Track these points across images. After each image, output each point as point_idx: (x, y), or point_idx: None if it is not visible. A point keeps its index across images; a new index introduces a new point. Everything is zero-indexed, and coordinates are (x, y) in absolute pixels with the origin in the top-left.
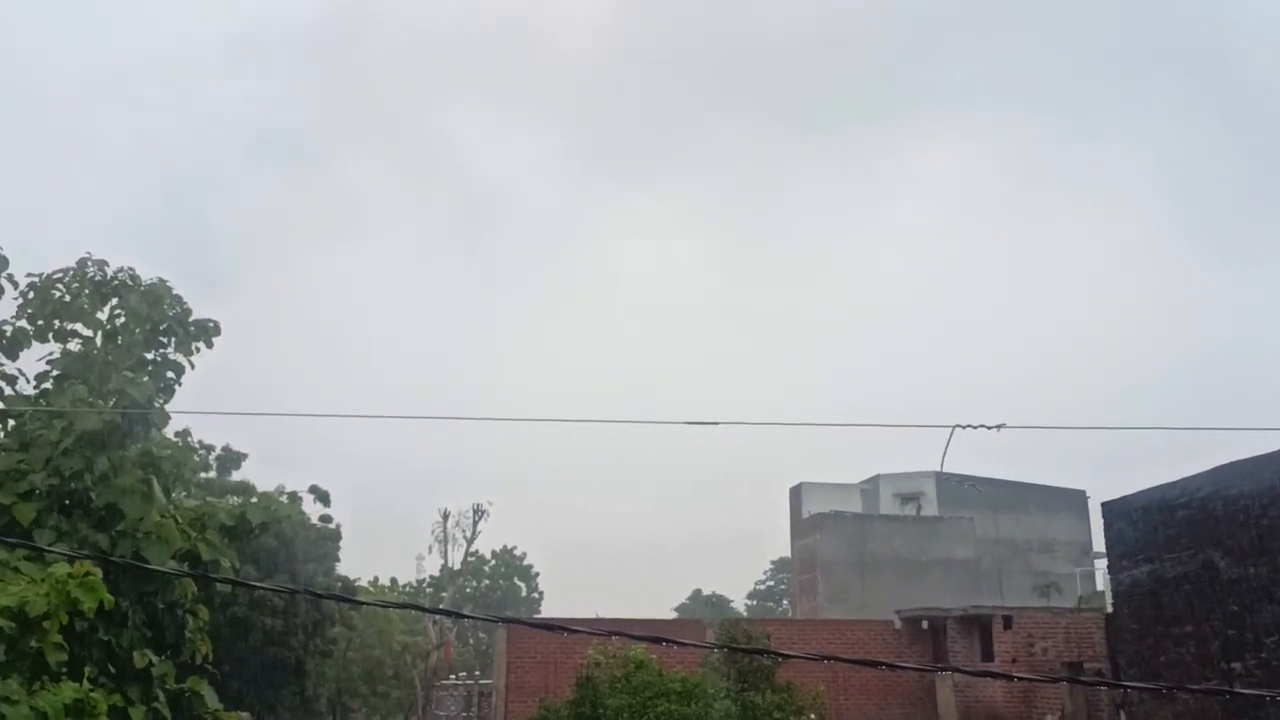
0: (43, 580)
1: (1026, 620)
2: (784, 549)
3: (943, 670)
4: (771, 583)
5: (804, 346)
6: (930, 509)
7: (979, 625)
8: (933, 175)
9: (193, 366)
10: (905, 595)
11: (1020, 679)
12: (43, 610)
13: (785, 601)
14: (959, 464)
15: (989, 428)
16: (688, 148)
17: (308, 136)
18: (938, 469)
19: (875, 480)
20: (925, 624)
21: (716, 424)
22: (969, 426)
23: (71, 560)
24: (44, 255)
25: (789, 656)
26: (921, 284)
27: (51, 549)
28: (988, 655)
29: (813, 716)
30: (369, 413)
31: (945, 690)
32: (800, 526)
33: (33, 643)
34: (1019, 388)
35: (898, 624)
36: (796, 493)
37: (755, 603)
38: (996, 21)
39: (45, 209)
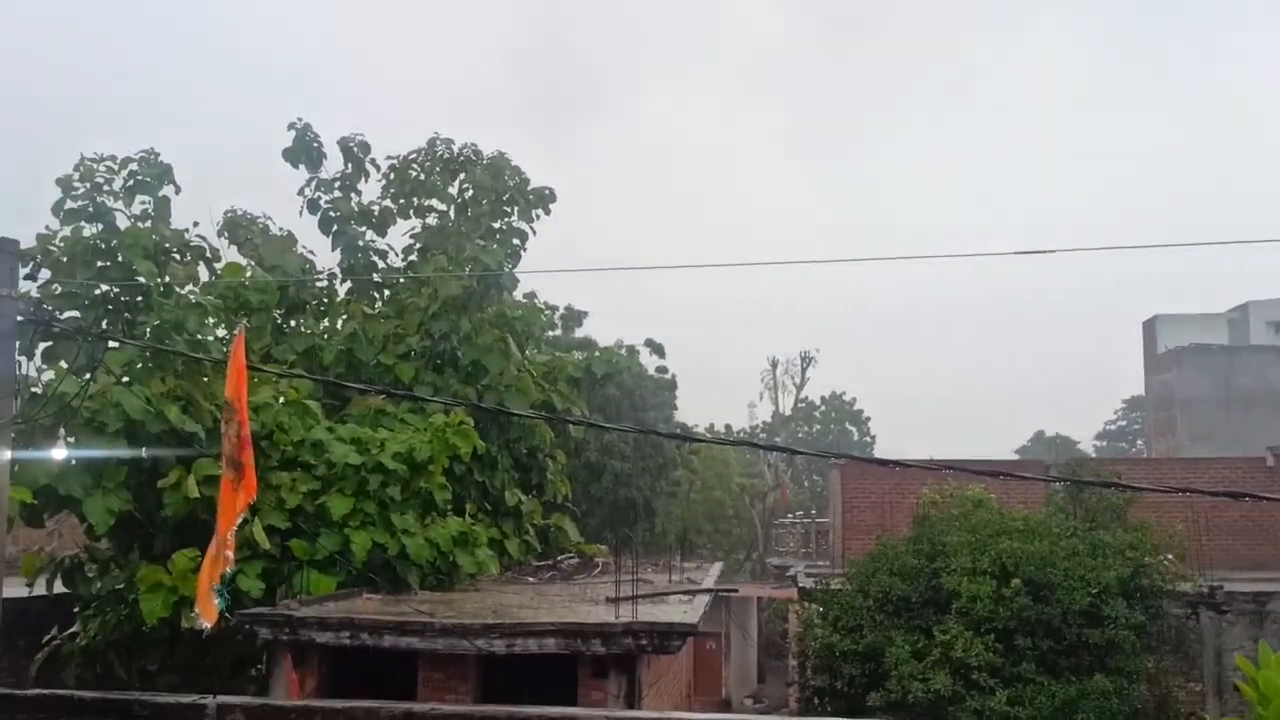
0: (425, 429)
1: None
2: (1137, 387)
3: None
4: (1123, 423)
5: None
6: None
7: None
8: None
9: (534, 233)
10: None
11: None
12: (427, 455)
13: (1140, 442)
14: None
15: None
16: None
17: None
18: None
19: (1244, 309)
20: None
21: (1052, 252)
22: None
23: (447, 411)
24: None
25: (1136, 489)
26: None
27: (432, 399)
28: None
29: (1169, 557)
30: (698, 262)
31: None
32: (1156, 362)
33: (421, 484)
34: None
35: (1270, 461)
36: (1151, 326)
37: (1105, 444)
38: None
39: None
